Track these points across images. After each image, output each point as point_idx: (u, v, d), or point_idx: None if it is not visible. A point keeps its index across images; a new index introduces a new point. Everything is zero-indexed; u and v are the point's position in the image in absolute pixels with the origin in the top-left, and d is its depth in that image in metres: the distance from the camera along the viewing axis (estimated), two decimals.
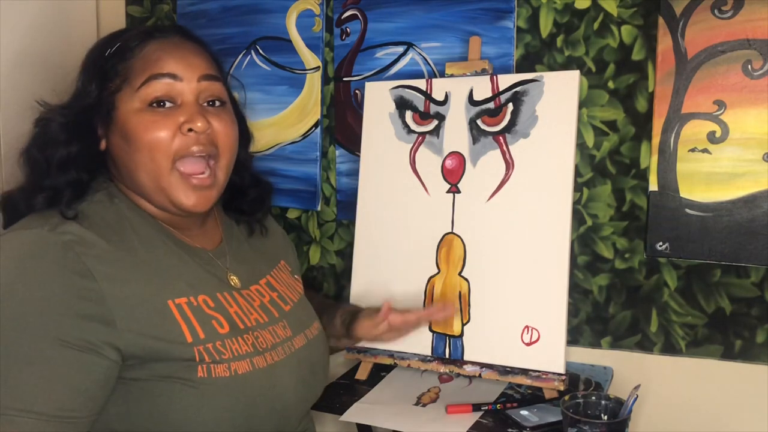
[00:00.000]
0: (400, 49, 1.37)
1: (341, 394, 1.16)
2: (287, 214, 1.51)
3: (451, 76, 1.23)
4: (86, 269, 0.78)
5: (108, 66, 0.89)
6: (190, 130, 0.88)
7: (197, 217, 0.96)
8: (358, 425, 1.28)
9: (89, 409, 0.78)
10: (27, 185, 0.88)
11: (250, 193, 1.07)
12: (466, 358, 1.15)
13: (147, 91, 0.87)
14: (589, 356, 1.29)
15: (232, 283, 0.95)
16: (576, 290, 1.28)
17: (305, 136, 1.47)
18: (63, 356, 0.76)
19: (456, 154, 1.20)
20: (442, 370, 1.17)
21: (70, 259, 0.78)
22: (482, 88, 1.19)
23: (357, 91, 1.42)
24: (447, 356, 1.17)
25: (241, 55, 1.50)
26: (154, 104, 0.88)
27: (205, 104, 0.92)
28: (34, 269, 0.77)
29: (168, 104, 0.88)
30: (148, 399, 0.81)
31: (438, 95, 1.23)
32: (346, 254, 1.45)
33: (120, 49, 0.90)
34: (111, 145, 0.91)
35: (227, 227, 1.04)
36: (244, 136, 1.03)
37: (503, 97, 1.17)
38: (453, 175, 1.20)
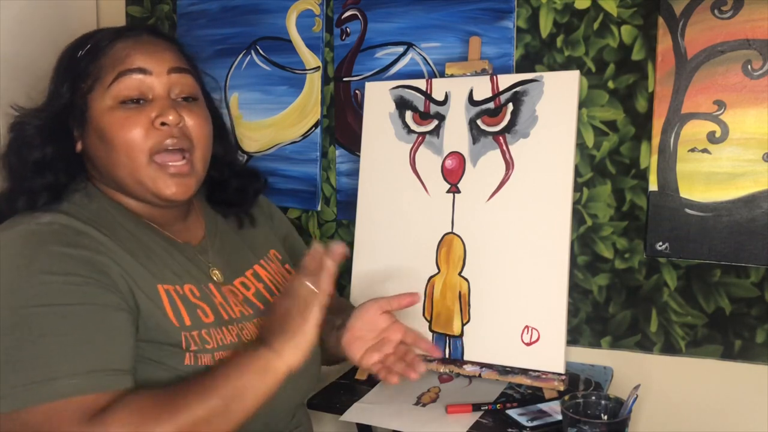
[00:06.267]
0: (400, 49, 1.37)
1: (341, 394, 1.16)
2: (287, 214, 1.51)
3: (451, 76, 1.23)
4: (85, 246, 0.82)
5: (80, 67, 0.90)
6: (163, 123, 0.88)
7: (179, 210, 0.97)
8: (358, 425, 1.28)
9: (130, 362, 0.80)
10: (7, 189, 0.90)
11: (231, 184, 1.06)
12: (466, 358, 1.15)
13: (118, 88, 0.88)
14: (588, 356, 1.29)
15: (215, 278, 0.95)
16: (576, 290, 1.28)
17: (305, 136, 1.47)
18: (92, 317, 0.78)
19: (456, 154, 1.20)
20: (442, 370, 1.17)
21: (68, 237, 0.82)
22: (482, 88, 1.19)
23: (357, 91, 1.42)
24: (447, 356, 1.17)
25: (241, 55, 1.50)
26: (127, 102, 0.88)
27: (178, 100, 0.92)
28: (39, 254, 0.80)
29: (141, 101, 0.89)
30: (137, 381, 0.82)
31: (438, 95, 1.23)
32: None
33: (91, 49, 0.91)
34: (87, 146, 0.91)
35: (210, 222, 1.03)
36: (221, 132, 1.02)
37: (503, 97, 1.18)
38: (453, 175, 1.20)
